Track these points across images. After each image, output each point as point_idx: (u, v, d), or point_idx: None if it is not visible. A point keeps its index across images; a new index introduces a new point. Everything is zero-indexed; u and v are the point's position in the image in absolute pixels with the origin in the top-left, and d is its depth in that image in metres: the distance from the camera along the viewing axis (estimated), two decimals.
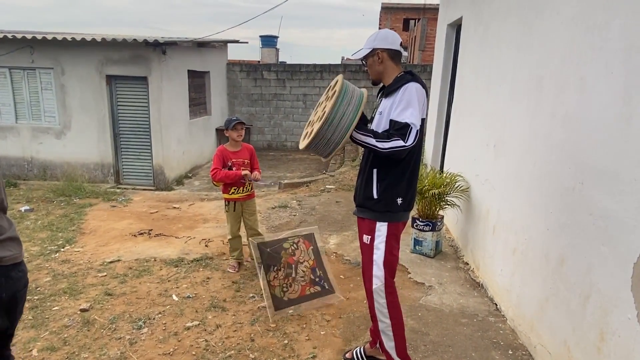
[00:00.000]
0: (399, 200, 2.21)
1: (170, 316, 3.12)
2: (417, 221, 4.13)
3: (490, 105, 3.69)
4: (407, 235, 4.51)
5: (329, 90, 2.25)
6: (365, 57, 2.27)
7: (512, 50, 3.26)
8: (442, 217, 4.25)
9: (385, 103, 2.19)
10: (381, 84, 2.33)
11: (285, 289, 3.21)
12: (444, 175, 4.30)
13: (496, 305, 3.23)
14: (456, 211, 4.24)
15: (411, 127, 2.04)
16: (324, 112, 2.03)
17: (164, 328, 2.98)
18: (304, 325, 3.00)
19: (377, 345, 2.50)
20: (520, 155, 2.97)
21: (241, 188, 3.67)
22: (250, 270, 3.86)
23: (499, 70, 3.54)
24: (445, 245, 4.43)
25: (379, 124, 2.20)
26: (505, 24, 3.45)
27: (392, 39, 2.23)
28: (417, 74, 2.22)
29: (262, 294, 3.42)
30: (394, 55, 2.24)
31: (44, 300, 3.35)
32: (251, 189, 3.78)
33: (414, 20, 19.81)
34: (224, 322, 3.04)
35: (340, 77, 2.15)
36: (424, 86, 2.17)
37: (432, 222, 4.06)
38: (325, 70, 11.32)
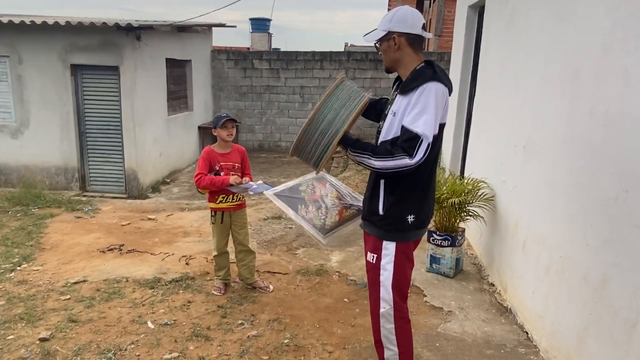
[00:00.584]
0: (410, 218, 2.20)
1: (144, 347, 3.12)
2: (434, 235, 4.14)
3: (518, 100, 3.71)
4: (423, 252, 4.51)
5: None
6: (380, 41, 2.22)
7: (544, 37, 3.28)
8: (463, 230, 4.26)
9: (400, 102, 2.16)
10: (397, 74, 2.33)
11: (322, 219, 3.01)
12: (465, 181, 4.32)
13: (527, 333, 3.23)
14: (479, 223, 4.25)
15: (421, 140, 2.02)
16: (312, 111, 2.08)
17: None
18: (302, 358, 3.00)
19: None
20: (554, 158, 2.98)
21: (231, 196, 3.66)
22: (238, 293, 3.86)
23: (528, 61, 3.56)
24: (467, 263, 4.44)
25: (391, 126, 2.19)
26: (536, 7, 3.48)
27: (412, 21, 2.17)
28: (439, 67, 2.20)
29: (252, 321, 3.43)
30: (414, 40, 2.19)
31: None
32: (242, 198, 3.78)
33: (429, 1, 19.94)
34: (208, 354, 3.03)
35: (341, 74, 2.17)
36: (447, 84, 2.14)
37: (451, 236, 4.07)
38: (326, 59, 11.36)
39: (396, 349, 2.30)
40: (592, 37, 2.61)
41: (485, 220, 4.16)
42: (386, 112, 2.29)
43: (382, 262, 2.24)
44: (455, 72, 6.45)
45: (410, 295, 3.82)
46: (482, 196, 4.13)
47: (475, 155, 5.04)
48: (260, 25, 16.51)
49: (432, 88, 2.05)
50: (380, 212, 2.22)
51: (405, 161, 2.02)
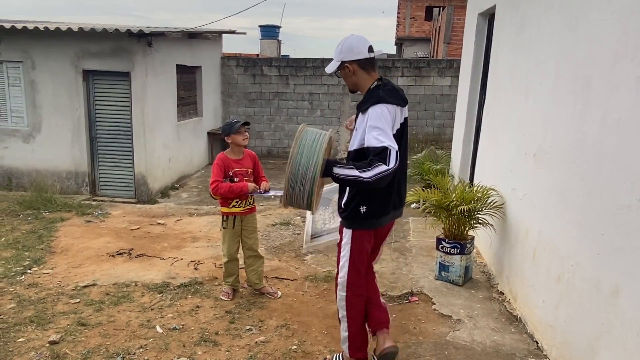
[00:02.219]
0: (363, 209, 2.58)
1: (153, 351, 3.13)
2: (443, 242, 4.13)
3: (529, 108, 3.71)
4: (432, 259, 4.50)
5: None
6: (338, 70, 2.59)
7: (555, 44, 3.28)
8: (473, 238, 4.24)
9: (360, 120, 2.54)
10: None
11: (323, 226, 3.42)
12: (475, 188, 4.31)
13: (537, 343, 3.20)
14: (489, 231, 4.23)
15: (389, 150, 2.32)
16: (286, 170, 2.33)
17: None
18: None
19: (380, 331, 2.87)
20: (565, 166, 2.97)
21: (243, 201, 3.69)
22: (246, 298, 3.86)
23: (539, 68, 3.56)
24: (476, 271, 4.41)
25: (354, 139, 2.59)
26: (547, 15, 3.48)
27: (358, 48, 2.53)
28: (387, 84, 2.57)
29: (260, 327, 3.43)
30: (364, 64, 2.56)
31: (8, 330, 3.37)
32: (253, 202, 3.81)
33: (438, 9, 19.98)
34: (216, 359, 3.04)
35: (301, 127, 2.46)
36: (393, 100, 2.50)
37: (460, 243, 4.06)
38: None
39: (344, 312, 2.74)
40: (604, 44, 2.61)
41: (495, 228, 4.15)
42: (355, 126, 2.66)
43: (342, 242, 2.72)
44: (465, 79, 6.45)
45: (418, 303, 3.82)
46: (491, 204, 4.11)
47: (485, 162, 5.03)
48: (269, 32, 16.64)
49: (377, 110, 2.43)
50: (342, 206, 2.68)
51: (383, 167, 2.30)
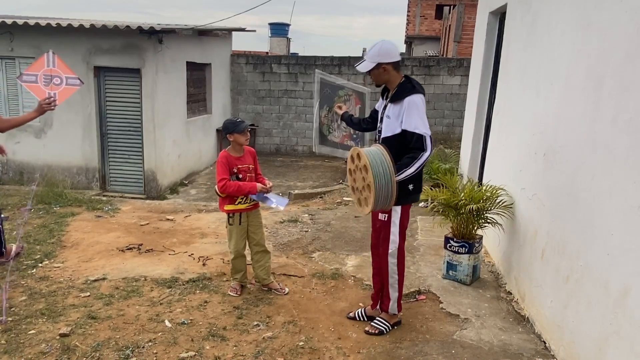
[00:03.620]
0: (410, 187, 3.08)
1: (162, 345, 3.16)
2: (451, 241, 4.12)
3: (539, 107, 3.69)
4: (439, 258, 4.50)
5: (351, 159, 3.03)
6: (370, 70, 3.07)
7: (567, 43, 3.26)
8: (481, 237, 4.23)
9: (393, 109, 3.07)
10: (383, 86, 3.21)
11: (330, 130, 3.84)
12: (484, 188, 4.29)
13: (545, 343, 3.20)
14: (498, 231, 4.22)
15: (425, 137, 2.94)
16: (370, 185, 2.79)
17: (154, 358, 3.02)
18: None
19: (378, 307, 3.46)
20: (576, 166, 2.96)
21: (248, 197, 3.73)
22: (254, 294, 3.89)
23: (550, 67, 3.54)
24: (484, 271, 4.40)
25: (388, 126, 3.10)
26: (559, 13, 3.46)
27: (394, 52, 3.05)
28: (415, 81, 3.07)
29: (267, 323, 3.46)
30: (396, 65, 3.08)
31: (19, 322, 3.42)
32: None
33: (448, 7, 19.88)
34: (224, 354, 3.07)
35: (358, 151, 2.89)
36: (423, 92, 3.04)
37: (468, 243, 4.05)
38: (344, 64, 11.41)
39: (397, 275, 3.27)
40: (616, 43, 2.59)
41: (503, 227, 4.13)
42: (382, 116, 3.20)
43: (392, 219, 3.17)
44: (475, 78, 6.43)
45: (426, 302, 3.83)
46: (500, 203, 4.10)
47: (494, 162, 5.01)
48: (279, 29, 16.66)
49: (418, 99, 2.98)
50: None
51: (424, 155, 2.94)
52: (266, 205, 3.86)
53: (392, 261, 3.24)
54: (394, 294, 3.31)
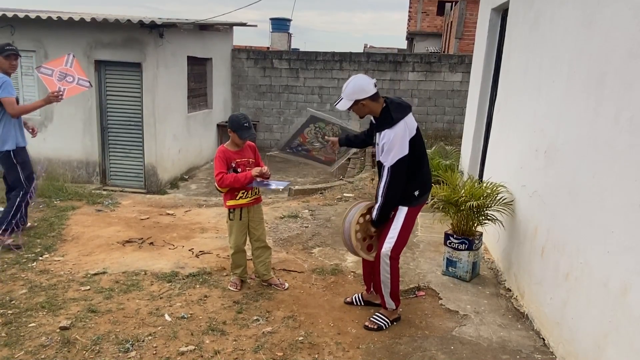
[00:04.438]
0: (416, 193, 3.24)
1: (161, 339, 3.17)
2: (451, 238, 4.13)
3: (541, 105, 3.68)
4: (439, 255, 4.51)
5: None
6: (350, 107, 3.16)
7: (569, 41, 3.25)
8: (481, 234, 4.24)
9: (379, 136, 3.18)
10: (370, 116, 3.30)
11: (309, 147, 4.00)
12: (484, 185, 4.29)
13: (543, 340, 3.20)
14: (498, 228, 4.22)
15: (393, 166, 3.09)
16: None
17: (154, 352, 3.02)
18: (316, 356, 3.02)
19: (372, 290, 3.60)
20: (577, 164, 2.96)
21: (249, 191, 3.71)
22: (254, 289, 3.89)
23: (552, 65, 3.53)
24: (484, 267, 4.41)
25: (379, 153, 3.21)
26: (561, 10, 3.45)
27: (369, 87, 3.11)
28: (392, 103, 3.14)
29: (267, 317, 3.47)
30: (374, 97, 3.13)
31: (19, 315, 3.43)
32: (258, 192, 3.83)
33: (450, 4, 19.82)
34: (224, 348, 3.07)
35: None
36: (400, 109, 3.11)
37: (468, 239, 4.05)
38: (346, 60, 11.39)
39: (389, 275, 3.28)
40: (619, 41, 2.58)
41: (503, 224, 4.13)
42: (375, 142, 3.31)
43: (395, 218, 3.25)
44: (476, 75, 6.41)
45: (425, 298, 3.84)
46: (500, 200, 4.10)
47: (495, 159, 5.01)
48: (280, 25, 16.62)
49: (392, 134, 3.05)
50: None
51: (387, 189, 3.15)
52: (268, 190, 3.86)
53: (385, 261, 3.24)
54: (386, 290, 3.33)
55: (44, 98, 4.76)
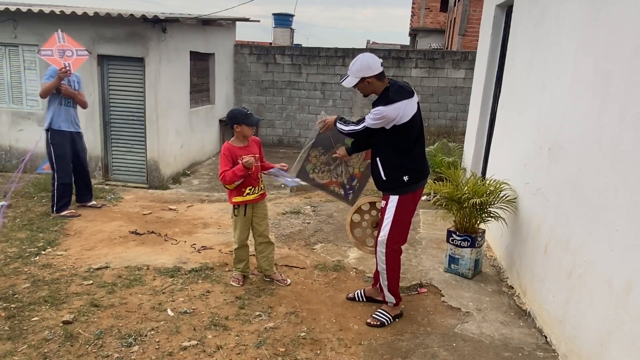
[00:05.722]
0: (405, 178, 3.21)
1: (164, 333, 3.18)
2: (454, 235, 4.12)
3: (545, 102, 3.67)
4: (441, 252, 4.51)
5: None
6: (356, 84, 3.20)
7: (574, 38, 3.23)
8: (484, 231, 4.23)
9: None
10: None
11: (316, 170, 3.82)
12: (487, 182, 4.28)
13: (546, 337, 3.20)
14: (500, 225, 4.22)
15: (365, 121, 3.20)
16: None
17: (157, 347, 3.03)
18: (318, 352, 3.02)
19: (377, 286, 3.53)
20: (581, 162, 2.95)
21: (256, 187, 3.71)
22: (256, 285, 3.90)
23: (557, 62, 3.51)
24: (486, 265, 4.41)
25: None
26: (567, 7, 3.43)
27: (375, 65, 3.14)
28: (394, 84, 3.18)
29: (269, 313, 3.47)
30: (379, 76, 3.17)
31: (22, 309, 3.44)
32: (263, 187, 3.83)
33: (454, 0, 19.74)
34: (226, 344, 3.08)
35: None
36: (400, 92, 3.13)
37: (471, 236, 4.05)
38: (348, 56, 11.35)
39: (384, 265, 3.30)
40: (625, 38, 2.57)
41: (506, 222, 4.13)
42: None
43: (387, 207, 3.26)
44: (480, 72, 6.39)
45: (427, 295, 3.84)
46: (504, 198, 4.09)
47: (498, 156, 5.00)
48: (283, 20, 16.58)
49: (383, 109, 3.08)
50: (383, 178, 3.28)
51: (354, 128, 3.28)
52: (278, 181, 3.90)
53: (381, 249, 3.28)
54: (384, 282, 3.36)
55: (55, 77, 5.26)
